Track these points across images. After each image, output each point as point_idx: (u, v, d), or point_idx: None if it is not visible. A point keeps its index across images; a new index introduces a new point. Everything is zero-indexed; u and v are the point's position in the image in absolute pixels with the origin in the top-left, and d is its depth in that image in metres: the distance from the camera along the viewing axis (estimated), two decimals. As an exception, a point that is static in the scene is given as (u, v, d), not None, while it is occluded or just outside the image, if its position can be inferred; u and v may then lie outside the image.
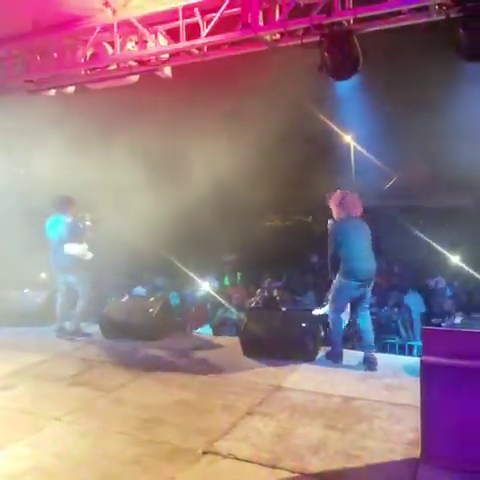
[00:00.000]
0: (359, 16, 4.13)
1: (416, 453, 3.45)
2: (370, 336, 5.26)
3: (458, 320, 5.24)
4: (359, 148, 20.50)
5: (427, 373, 3.26)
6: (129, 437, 3.91)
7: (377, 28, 4.30)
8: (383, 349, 6.60)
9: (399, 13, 4.16)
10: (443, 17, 3.91)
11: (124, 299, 6.79)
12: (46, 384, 5.11)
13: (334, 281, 5.20)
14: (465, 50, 3.81)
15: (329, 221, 5.30)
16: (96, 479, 3.37)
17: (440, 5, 3.87)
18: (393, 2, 4.01)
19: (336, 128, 17.55)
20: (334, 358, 5.35)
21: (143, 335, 6.28)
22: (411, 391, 4.39)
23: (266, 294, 9.01)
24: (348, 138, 22.10)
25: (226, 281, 9.76)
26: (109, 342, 6.44)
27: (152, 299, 6.74)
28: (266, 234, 18.13)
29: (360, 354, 5.39)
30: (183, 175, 11.63)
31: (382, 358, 5.68)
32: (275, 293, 9.04)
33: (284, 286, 9.80)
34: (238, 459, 3.54)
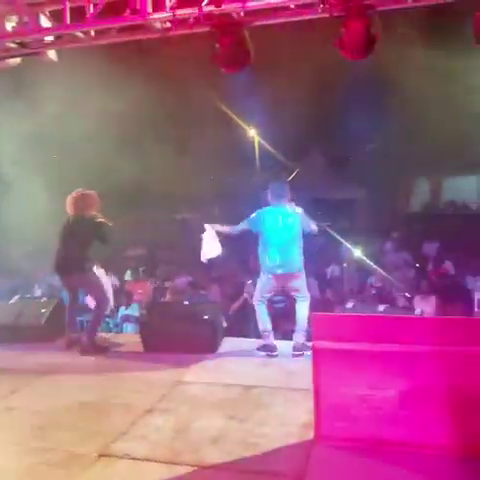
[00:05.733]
0: (249, 9, 4.17)
1: (310, 435, 3.58)
2: None
3: (350, 305, 5.54)
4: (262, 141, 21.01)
5: (316, 357, 3.40)
6: (21, 447, 3.65)
7: (266, 22, 4.37)
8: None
9: (287, 8, 4.26)
10: (327, 15, 4.07)
11: (13, 301, 6.36)
12: None
13: None
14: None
15: None
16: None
17: (324, 3, 4.02)
18: (282, -4, 4.09)
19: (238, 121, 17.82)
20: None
21: (35, 337, 5.93)
22: (307, 375, 4.60)
23: (170, 288, 8.92)
24: (252, 132, 22.62)
25: (128, 276, 9.51)
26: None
27: (44, 299, 6.38)
28: (175, 227, 17.90)
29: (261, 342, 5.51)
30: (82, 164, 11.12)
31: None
32: (179, 287, 8.97)
33: (193, 281, 9.71)
34: (135, 459, 3.44)
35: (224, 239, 5.71)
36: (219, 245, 5.59)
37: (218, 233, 5.58)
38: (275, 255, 5.27)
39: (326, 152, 19.02)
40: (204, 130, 14.91)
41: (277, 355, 5.36)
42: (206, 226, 5.57)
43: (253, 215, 5.41)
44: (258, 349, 5.46)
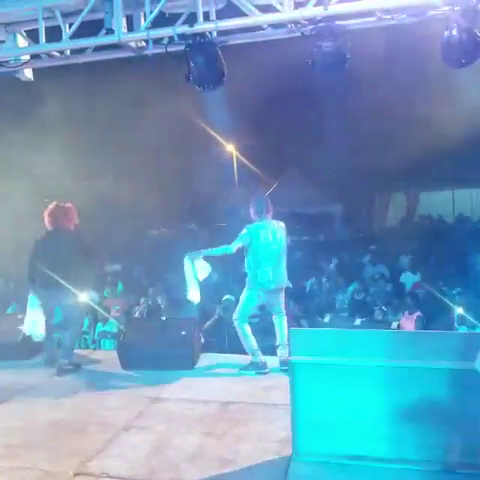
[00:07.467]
0: (222, 29, 4.27)
1: (288, 451, 3.57)
2: None
3: (327, 319, 5.58)
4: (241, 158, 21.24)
5: (294, 372, 3.41)
6: (-7, 468, 3.57)
7: (240, 41, 4.48)
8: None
9: (260, 28, 4.38)
10: (298, 34, 4.19)
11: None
12: None
13: None
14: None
15: None
16: None
17: (295, 23, 4.15)
18: (253, 17, 4.20)
19: (217, 137, 17.99)
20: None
21: (11, 355, 5.78)
22: (285, 390, 4.60)
23: (150, 304, 8.85)
24: (230, 147, 22.80)
25: (106, 292, 9.41)
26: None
27: (21, 316, 6.26)
28: (153, 243, 17.87)
29: (242, 358, 5.49)
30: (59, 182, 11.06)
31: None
32: (159, 302, 8.90)
33: (172, 296, 9.65)
34: (111, 477, 3.41)
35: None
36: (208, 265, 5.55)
37: (208, 258, 5.49)
38: (268, 271, 5.22)
39: (303, 167, 19.29)
40: (179, 145, 15.03)
41: (268, 372, 5.26)
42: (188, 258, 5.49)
43: (244, 231, 5.31)
44: (245, 369, 5.32)
